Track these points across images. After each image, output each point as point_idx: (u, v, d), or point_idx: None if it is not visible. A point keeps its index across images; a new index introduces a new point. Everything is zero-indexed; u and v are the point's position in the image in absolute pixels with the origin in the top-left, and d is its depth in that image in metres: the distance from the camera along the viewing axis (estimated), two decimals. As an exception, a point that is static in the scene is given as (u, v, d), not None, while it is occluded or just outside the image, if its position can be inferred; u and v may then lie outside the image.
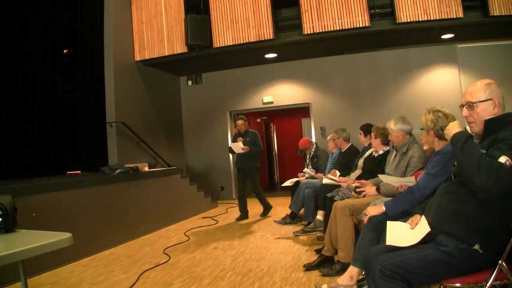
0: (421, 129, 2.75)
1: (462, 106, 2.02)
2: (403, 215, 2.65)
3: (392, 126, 3.53)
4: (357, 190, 3.70)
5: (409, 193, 2.71)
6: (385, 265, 1.83)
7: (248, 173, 6.69)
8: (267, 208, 6.95)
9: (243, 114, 10.14)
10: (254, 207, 8.18)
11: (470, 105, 1.99)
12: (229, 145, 6.80)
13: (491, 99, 1.94)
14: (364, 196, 3.60)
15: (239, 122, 6.71)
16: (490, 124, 1.93)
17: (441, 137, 2.61)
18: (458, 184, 1.95)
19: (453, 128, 1.93)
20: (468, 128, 2.07)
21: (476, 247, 1.81)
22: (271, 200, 9.03)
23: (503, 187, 1.70)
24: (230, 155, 9.61)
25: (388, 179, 3.27)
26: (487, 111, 1.95)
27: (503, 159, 1.70)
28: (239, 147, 6.46)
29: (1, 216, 2.15)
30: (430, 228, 1.96)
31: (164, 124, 9.02)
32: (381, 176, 3.35)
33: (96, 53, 7.55)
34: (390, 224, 2.23)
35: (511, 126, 1.85)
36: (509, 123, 1.88)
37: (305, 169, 6.07)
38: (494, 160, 1.72)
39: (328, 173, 5.56)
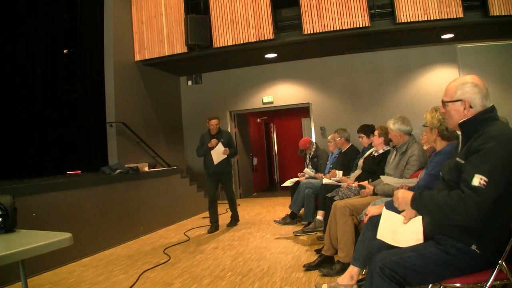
0: (424, 125, 2.70)
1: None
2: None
3: (391, 125, 3.53)
4: (361, 191, 3.72)
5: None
6: (386, 262, 1.83)
7: (222, 178, 6.04)
8: (236, 219, 6.32)
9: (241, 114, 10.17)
10: (255, 207, 8.19)
11: (443, 104, 1.98)
12: (206, 148, 5.87)
13: (460, 100, 1.89)
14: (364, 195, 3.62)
15: (214, 122, 5.88)
16: (464, 127, 1.90)
17: (444, 137, 2.59)
18: (449, 187, 1.94)
19: (404, 197, 1.94)
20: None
21: (473, 247, 1.81)
22: (272, 200, 9.09)
23: (487, 207, 1.68)
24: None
25: (390, 180, 3.27)
26: (458, 112, 1.91)
27: (476, 180, 1.67)
28: (220, 151, 5.78)
29: (1, 216, 2.15)
30: (425, 235, 1.95)
31: (164, 124, 9.02)
32: (382, 177, 3.35)
33: (96, 53, 7.56)
34: (385, 214, 2.22)
35: (488, 126, 1.81)
36: (486, 121, 1.84)
37: (306, 169, 6.07)
38: (463, 189, 1.72)
39: (328, 173, 5.57)
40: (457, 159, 1.88)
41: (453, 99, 1.91)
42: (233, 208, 6.25)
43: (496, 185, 1.68)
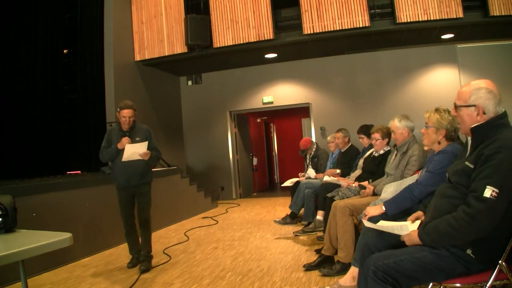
0: (427, 126, 2.65)
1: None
2: (403, 215, 2.65)
3: (397, 123, 3.49)
4: (361, 192, 3.74)
5: (407, 190, 2.72)
6: (379, 266, 1.84)
7: (138, 191, 4.24)
8: (149, 256, 4.20)
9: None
10: (255, 207, 8.19)
11: (456, 107, 1.97)
12: (115, 150, 4.12)
13: (474, 106, 1.88)
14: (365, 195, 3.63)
15: (127, 112, 4.09)
16: (476, 133, 1.90)
17: (449, 138, 2.58)
18: (454, 190, 1.95)
19: (411, 241, 1.95)
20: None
21: (469, 252, 1.82)
22: (272, 200, 9.08)
23: (498, 217, 1.72)
24: (230, 155, 9.61)
25: (391, 188, 3.21)
26: (470, 117, 1.90)
27: (488, 192, 1.70)
28: (137, 151, 4.04)
29: (1, 216, 2.15)
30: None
31: (164, 124, 9.02)
32: (386, 186, 3.30)
33: (96, 53, 7.54)
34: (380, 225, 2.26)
35: (499, 133, 1.81)
36: (497, 127, 1.84)
37: (309, 170, 5.99)
38: (471, 202, 1.74)
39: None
40: (466, 163, 1.88)
41: (466, 104, 1.91)
42: (147, 237, 4.26)
43: (506, 196, 1.71)
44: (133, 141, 4.10)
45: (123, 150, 4.04)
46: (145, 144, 4.08)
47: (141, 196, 4.25)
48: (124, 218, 4.28)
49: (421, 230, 1.93)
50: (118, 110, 4.12)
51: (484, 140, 1.84)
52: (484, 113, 1.87)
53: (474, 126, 1.89)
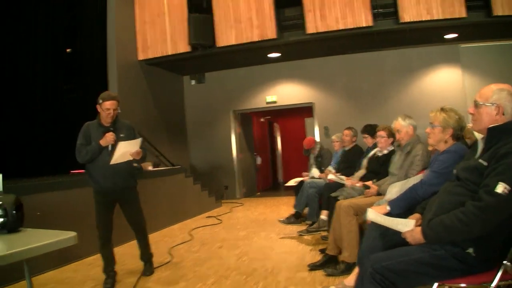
0: (432, 125, 2.64)
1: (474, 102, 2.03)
2: (406, 215, 2.64)
3: (402, 122, 3.49)
4: (365, 191, 3.74)
5: (412, 190, 2.72)
6: (377, 267, 1.84)
7: (123, 197, 3.83)
8: (150, 260, 4.03)
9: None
10: (258, 206, 8.19)
11: (476, 104, 1.99)
12: (96, 148, 3.60)
13: (495, 105, 1.91)
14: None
15: (111, 103, 3.62)
16: (493, 133, 1.92)
17: (455, 137, 2.59)
18: (462, 187, 1.95)
19: (415, 239, 1.96)
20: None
21: (470, 250, 1.82)
22: (275, 200, 9.09)
23: (506, 214, 1.74)
24: (234, 155, 9.61)
25: (395, 189, 3.22)
26: (489, 115, 1.93)
27: (500, 188, 1.71)
28: (127, 151, 3.52)
29: (1, 216, 2.13)
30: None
31: (168, 124, 9.03)
32: (391, 186, 3.30)
33: (99, 52, 7.55)
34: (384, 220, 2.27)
35: None
36: None
37: (313, 169, 5.98)
38: (482, 196, 1.75)
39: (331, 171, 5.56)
40: (480, 160, 1.89)
41: (488, 102, 1.93)
42: (146, 243, 4.03)
43: None
44: (116, 137, 3.57)
45: (106, 148, 3.57)
46: (139, 141, 3.61)
47: (131, 203, 3.87)
48: (102, 228, 3.74)
49: (424, 225, 1.94)
50: (100, 101, 3.65)
51: (499, 141, 1.86)
52: (503, 114, 1.90)
53: (493, 126, 1.92)
